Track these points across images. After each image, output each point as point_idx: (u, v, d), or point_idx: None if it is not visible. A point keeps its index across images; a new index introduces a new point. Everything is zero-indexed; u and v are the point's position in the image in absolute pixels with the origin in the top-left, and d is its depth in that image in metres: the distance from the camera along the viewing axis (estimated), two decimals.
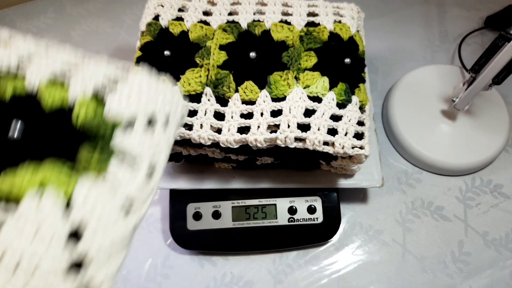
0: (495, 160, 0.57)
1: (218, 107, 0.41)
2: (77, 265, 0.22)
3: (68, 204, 0.23)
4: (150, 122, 0.28)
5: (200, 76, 0.42)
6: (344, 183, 0.49)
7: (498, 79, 0.47)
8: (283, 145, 0.39)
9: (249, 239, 0.51)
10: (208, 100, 0.41)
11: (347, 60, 0.43)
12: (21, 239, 0.21)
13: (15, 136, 0.24)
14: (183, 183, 0.50)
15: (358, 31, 0.47)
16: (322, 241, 0.52)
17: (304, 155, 0.43)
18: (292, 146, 0.39)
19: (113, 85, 0.28)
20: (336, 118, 0.40)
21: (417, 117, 0.57)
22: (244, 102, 0.42)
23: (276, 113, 0.41)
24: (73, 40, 0.68)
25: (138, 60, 0.44)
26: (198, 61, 0.43)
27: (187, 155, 0.47)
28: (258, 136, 0.39)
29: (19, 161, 0.23)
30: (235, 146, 0.40)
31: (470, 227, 0.53)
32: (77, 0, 0.72)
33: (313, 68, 0.43)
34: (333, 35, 0.45)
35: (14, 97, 0.25)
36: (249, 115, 0.41)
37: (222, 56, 0.43)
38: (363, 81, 0.44)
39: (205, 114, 0.41)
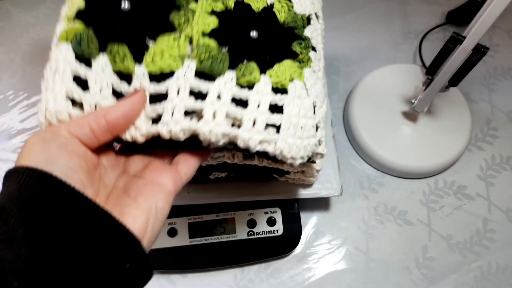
0: (458, 160, 0.56)
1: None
2: (317, 127, 0.33)
3: (305, 87, 0.32)
4: (317, 17, 0.39)
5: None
6: (302, 193, 0.48)
7: (454, 81, 0.46)
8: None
9: (208, 255, 0.49)
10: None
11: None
12: (293, 112, 0.31)
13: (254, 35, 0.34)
14: None
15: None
16: (284, 253, 0.50)
17: (254, 169, 0.41)
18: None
19: None
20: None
21: (378, 119, 0.56)
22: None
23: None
24: (21, 50, 0.65)
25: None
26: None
27: None
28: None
29: (276, 61, 0.33)
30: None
31: (434, 231, 0.52)
32: (24, 7, 0.68)
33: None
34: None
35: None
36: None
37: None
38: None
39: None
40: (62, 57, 0.29)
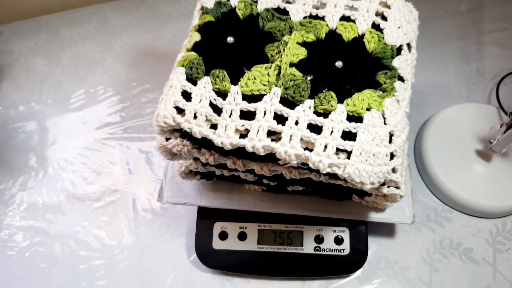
0: None
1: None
2: (392, 155, 0.34)
3: (383, 116, 0.34)
4: (409, 47, 0.40)
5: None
6: (374, 216, 0.49)
7: None
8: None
9: (273, 263, 0.51)
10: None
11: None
12: (366, 139, 0.33)
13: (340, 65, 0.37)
14: (212, 201, 0.50)
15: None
16: (347, 273, 0.51)
17: (336, 187, 0.43)
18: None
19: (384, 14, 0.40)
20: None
21: (450, 155, 0.56)
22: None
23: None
24: (114, 51, 0.70)
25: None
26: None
27: (219, 175, 0.47)
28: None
29: (353, 91, 0.35)
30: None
31: (499, 272, 0.52)
32: (120, 12, 0.74)
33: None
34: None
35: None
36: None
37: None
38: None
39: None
40: (176, 78, 0.36)
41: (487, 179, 0.55)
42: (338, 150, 0.34)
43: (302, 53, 0.37)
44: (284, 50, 0.37)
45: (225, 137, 0.34)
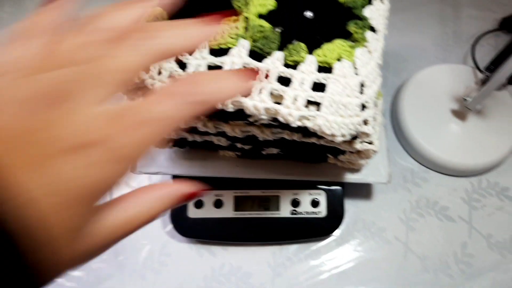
0: (503, 162, 0.56)
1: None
2: (363, 106, 0.33)
3: (354, 66, 0.33)
4: None
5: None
6: (350, 177, 0.48)
7: None
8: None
9: (250, 229, 0.50)
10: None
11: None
12: (336, 90, 0.32)
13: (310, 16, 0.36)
14: (186, 169, 0.49)
15: None
16: (324, 235, 0.51)
17: (310, 147, 0.42)
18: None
19: None
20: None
21: (426, 115, 0.56)
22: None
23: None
24: None
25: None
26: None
27: (191, 141, 0.46)
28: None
29: (323, 41, 0.34)
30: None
31: (474, 228, 0.52)
32: None
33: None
34: None
35: None
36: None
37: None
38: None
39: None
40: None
41: (463, 138, 0.55)
42: (309, 103, 0.32)
43: (271, 3, 0.35)
44: (252, 1, 0.35)
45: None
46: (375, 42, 0.36)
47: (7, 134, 0.16)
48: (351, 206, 0.53)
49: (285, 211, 0.50)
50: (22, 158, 0.15)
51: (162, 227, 0.53)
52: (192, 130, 0.42)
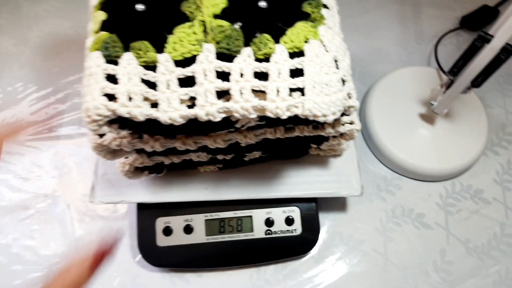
0: (474, 164, 0.55)
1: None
2: (343, 81, 0.33)
3: (323, 44, 0.33)
4: None
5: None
6: (322, 192, 0.47)
7: (477, 82, 0.46)
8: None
9: (224, 254, 0.48)
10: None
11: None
12: (314, 71, 0.32)
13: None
14: (151, 196, 0.46)
15: None
16: (301, 253, 0.49)
17: (293, 142, 0.41)
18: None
19: None
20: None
21: (395, 121, 0.55)
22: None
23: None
24: (31, 42, 0.63)
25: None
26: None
27: (168, 164, 0.43)
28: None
29: (288, 26, 0.33)
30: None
31: (452, 234, 0.52)
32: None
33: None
34: None
35: None
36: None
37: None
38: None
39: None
40: (94, 63, 0.31)
41: (433, 142, 0.54)
42: (292, 91, 0.31)
43: (222, 1, 0.34)
44: (202, 3, 0.34)
45: (172, 111, 0.30)
46: (331, 18, 0.36)
47: None
48: (326, 220, 0.52)
49: (259, 231, 0.48)
50: None
51: (131, 257, 0.50)
52: (169, 151, 0.40)
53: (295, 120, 0.34)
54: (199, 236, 0.48)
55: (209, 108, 0.30)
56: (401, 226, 0.52)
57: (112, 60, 0.31)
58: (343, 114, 0.36)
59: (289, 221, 0.48)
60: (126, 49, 0.31)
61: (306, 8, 0.35)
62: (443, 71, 0.59)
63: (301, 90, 0.32)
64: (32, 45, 0.63)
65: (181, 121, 0.31)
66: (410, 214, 0.53)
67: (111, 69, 0.30)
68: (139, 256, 0.49)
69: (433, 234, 0.51)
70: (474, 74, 0.45)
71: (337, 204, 0.53)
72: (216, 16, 0.33)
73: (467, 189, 0.54)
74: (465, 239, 0.51)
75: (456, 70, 0.48)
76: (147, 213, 0.48)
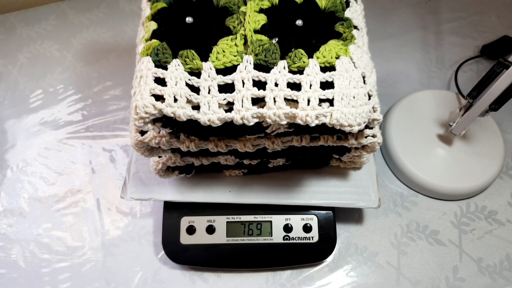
0: (489, 186, 0.57)
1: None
2: (369, 95, 0.36)
3: (352, 60, 0.36)
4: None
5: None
6: (340, 202, 0.49)
7: (495, 106, 0.48)
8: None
9: (242, 256, 0.50)
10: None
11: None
12: (343, 85, 0.35)
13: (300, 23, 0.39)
14: (178, 195, 0.49)
15: None
16: (317, 261, 0.51)
17: (316, 151, 0.44)
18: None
19: None
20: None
21: (413, 140, 0.57)
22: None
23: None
24: (73, 48, 0.68)
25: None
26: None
27: (197, 166, 0.47)
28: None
29: (321, 43, 0.37)
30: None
31: (465, 252, 0.53)
32: (79, 9, 0.72)
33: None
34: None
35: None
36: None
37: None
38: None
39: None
40: (145, 66, 0.35)
41: (450, 162, 0.56)
42: (321, 101, 0.35)
43: (262, 18, 0.38)
44: (244, 20, 0.38)
45: (211, 113, 0.34)
46: (361, 38, 0.40)
47: None
48: (342, 231, 0.54)
49: (277, 236, 0.50)
50: None
51: (154, 254, 0.53)
52: (201, 153, 0.43)
53: (322, 129, 0.38)
54: (220, 236, 0.50)
55: (245, 113, 0.34)
56: (415, 241, 0.53)
57: (160, 65, 0.35)
58: (366, 127, 0.39)
59: (307, 228, 0.50)
60: (174, 56, 0.36)
61: (339, 28, 0.39)
62: (462, 95, 0.61)
63: (330, 102, 0.35)
64: (74, 51, 0.68)
65: (218, 123, 0.34)
66: (425, 230, 0.54)
67: (160, 72, 0.34)
68: (162, 253, 0.52)
69: (446, 251, 0.53)
70: (493, 98, 0.47)
71: (353, 216, 0.55)
72: (256, 31, 0.37)
73: (481, 210, 0.56)
74: (477, 258, 0.52)
75: (475, 93, 0.50)
76: (173, 211, 0.51)
